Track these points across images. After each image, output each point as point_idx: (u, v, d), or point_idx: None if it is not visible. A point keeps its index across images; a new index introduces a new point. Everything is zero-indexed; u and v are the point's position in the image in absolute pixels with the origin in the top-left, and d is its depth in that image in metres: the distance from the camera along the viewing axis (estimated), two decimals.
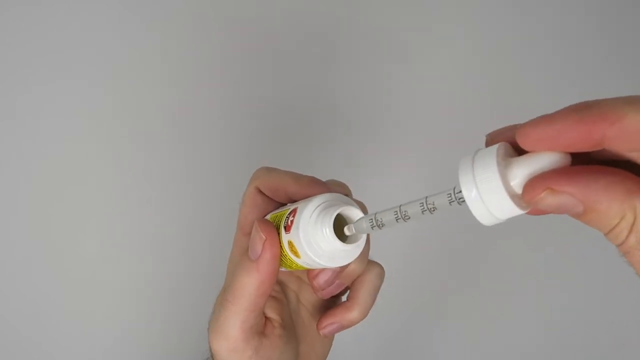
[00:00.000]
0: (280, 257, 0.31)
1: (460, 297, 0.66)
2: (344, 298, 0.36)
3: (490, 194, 0.21)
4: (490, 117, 0.67)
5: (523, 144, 0.21)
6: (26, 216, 0.53)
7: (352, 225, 0.29)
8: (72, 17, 0.55)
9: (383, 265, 0.35)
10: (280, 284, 0.37)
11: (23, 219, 0.53)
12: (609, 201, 0.19)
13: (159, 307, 0.56)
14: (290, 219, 0.30)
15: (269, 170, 0.34)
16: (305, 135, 0.62)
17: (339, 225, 0.30)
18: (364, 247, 0.31)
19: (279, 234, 0.31)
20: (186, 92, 0.59)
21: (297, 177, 0.32)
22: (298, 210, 0.30)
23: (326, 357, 0.38)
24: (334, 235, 0.28)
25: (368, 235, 0.32)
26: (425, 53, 0.67)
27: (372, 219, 0.27)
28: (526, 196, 0.21)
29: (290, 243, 0.30)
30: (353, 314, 0.34)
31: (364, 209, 0.34)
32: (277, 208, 0.34)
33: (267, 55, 0.62)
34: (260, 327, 0.33)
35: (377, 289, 0.34)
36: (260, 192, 0.34)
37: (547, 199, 0.20)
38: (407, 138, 0.66)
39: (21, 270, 0.53)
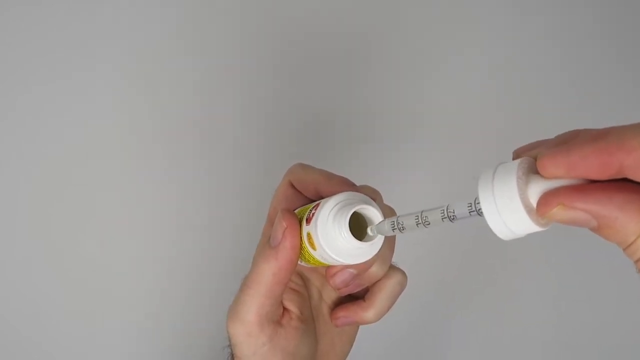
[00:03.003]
0: (300, 249, 0.32)
1: (470, 297, 0.66)
2: None
3: (507, 210, 0.21)
4: (521, 125, 0.67)
5: (542, 172, 0.21)
6: (26, 216, 0.53)
7: (374, 227, 0.30)
8: (73, 17, 0.55)
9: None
10: (303, 279, 0.38)
11: (23, 219, 0.53)
12: (624, 220, 0.19)
13: (159, 307, 0.56)
14: (313, 212, 0.31)
15: (303, 166, 0.35)
16: (329, 138, 0.63)
17: (359, 225, 0.30)
18: (386, 251, 0.32)
19: (301, 225, 0.32)
20: (188, 93, 0.59)
21: (329, 176, 0.33)
22: (320, 204, 0.31)
23: (346, 355, 0.39)
24: (349, 232, 0.29)
25: (394, 240, 0.33)
26: (455, 60, 0.68)
27: (393, 221, 0.28)
28: (539, 210, 0.21)
29: (309, 235, 0.31)
30: (367, 314, 0.35)
31: (392, 214, 0.35)
32: (307, 203, 0.35)
33: (294, 56, 0.62)
34: (277, 317, 0.34)
35: (395, 296, 0.35)
36: (292, 186, 0.36)
37: (560, 214, 0.20)
38: (435, 143, 0.66)
39: (21, 270, 0.53)
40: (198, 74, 0.59)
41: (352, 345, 0.39)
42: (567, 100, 0.71)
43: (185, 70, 0.59)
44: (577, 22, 0.73)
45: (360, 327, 0.38)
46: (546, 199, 0.21)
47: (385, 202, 0.35)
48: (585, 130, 0.21)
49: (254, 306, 0.32)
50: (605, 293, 0.68)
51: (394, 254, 0.34)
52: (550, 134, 0.24)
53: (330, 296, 0.38)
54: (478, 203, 0.23)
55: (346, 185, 0.32)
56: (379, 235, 0.30)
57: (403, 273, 0.35)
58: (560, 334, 0.68)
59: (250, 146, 0.60)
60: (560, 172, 0.21)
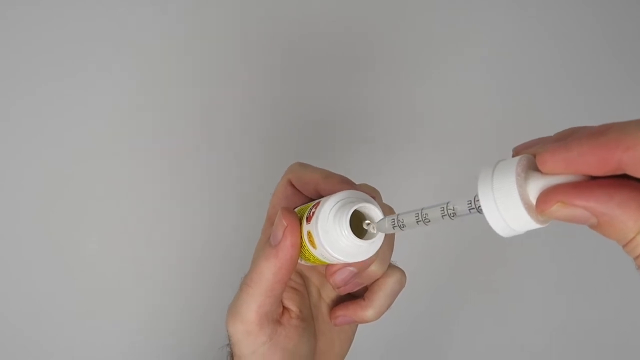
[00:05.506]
0: (300, 248, 0.32)
1: (470, 297, 0.66)
2: None
3: (507, 206, 0.22)
4: (521, 124, 0.67)
5: (542, 168, 0.21)
6: (27, 216, 0.53)
7: (374, 224, 0.30)
8: (73, 17, 0.56)
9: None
10: (303, 278, 0.38)
11: (24, 218, 0.53)
12: (623, 217, 0.19)
13: (160, 307, 0.56)
14: (313, 210, 0.31)
15: (302, 165, 0.35)
16: (330, 138, 0.63)
17: (359, 223, 0.30)
18: (386, 250, 0.32)
19: (301, 224, 0.32)
20: (188, 93, 0.59)
21: (328, 175, 0.33)
22: (320, 203, 0.31)
23: (345, 354, 0.39)
24: (350, 230, 0.29)
25: (393, 239, 0.33)
26: (455, 60, 0.68)
27: (394, 219, 0.28)
28: (538, 208, 0.21)
29: (309, 233, 0.31)
30: (366, 312, 0.35)
31: (392, 213, 0.35)
32: (307, 202, 0.35)
33: (294, 56, 0.62)
34: (277, 315, 0.34)
35: (394, 294, 0.35)
36: (292, 185, 0.36)
37: (559, 211, 0.20)
38: (435, 143, 0.66)
39: (21, 270, 0.53)
40: (198, 74, 0.59)
41: (351, 344, 0.39)
42: (567, 100, 0.71)
43: (185, 71, 0.59)
44: (577, 22, 0.73)
45: (360, 325, 0.39)
46: (545, 196, 0.21)
47: (385, 201, 0.35)
48: (586, 127, 0.21)
49: (254, 305, 0.32)
50: (608, 292, 0.68)
51: (393, 253, 0.35)
52: (550, 133, 0.24)
53: (329, 295, 0.38)
54: (478, 200, 0.23)
55: (345, 183, 0.32)
56: (379, 234, 0.30)
57: (402, 272, 0.35)
58: (558, 336, 0.68)
59: (250, 146, 0.60)
60: (560, 168, 0.21)
